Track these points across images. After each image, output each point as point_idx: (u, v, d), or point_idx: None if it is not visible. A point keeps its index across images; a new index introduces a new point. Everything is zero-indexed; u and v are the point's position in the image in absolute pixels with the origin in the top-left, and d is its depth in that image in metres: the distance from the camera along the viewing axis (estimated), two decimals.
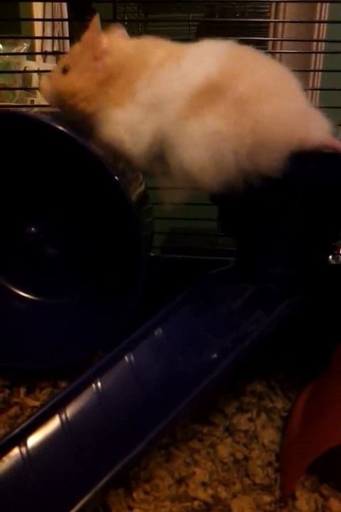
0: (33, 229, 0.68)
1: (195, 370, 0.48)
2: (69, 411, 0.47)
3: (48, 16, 1.77)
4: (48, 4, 1.74)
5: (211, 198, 0.57)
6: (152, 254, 0.74)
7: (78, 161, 0.56)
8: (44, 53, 1.48)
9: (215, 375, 0.46)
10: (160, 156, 0.51)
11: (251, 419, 0.59)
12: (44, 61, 1.86)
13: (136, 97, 0.50)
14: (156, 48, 0.52)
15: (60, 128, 0.51)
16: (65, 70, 0.53)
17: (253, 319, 0.50)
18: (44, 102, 0.58)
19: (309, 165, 0.46)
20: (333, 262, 0.70)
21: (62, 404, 0.47)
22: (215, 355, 0.49)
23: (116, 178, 0.52)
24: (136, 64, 0.51)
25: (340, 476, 0.49)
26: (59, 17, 1.71)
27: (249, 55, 0.51)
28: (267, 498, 0.48)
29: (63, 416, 0.46)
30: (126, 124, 0.51)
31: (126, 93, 0.51)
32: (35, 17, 1.72)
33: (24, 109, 0.96)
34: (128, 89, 0.50)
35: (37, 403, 0.62)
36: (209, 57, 0.49)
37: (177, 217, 0.84)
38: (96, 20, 0.51)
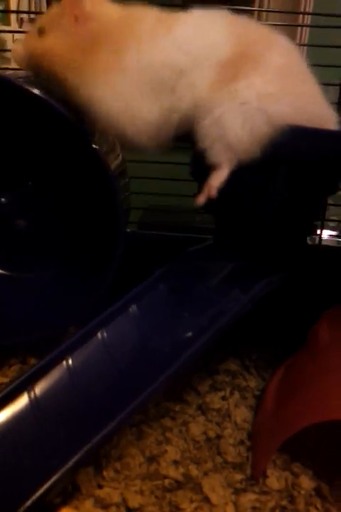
0: (2, 199, 0.65)
1: (170, 348, 0.47)
2: (38, 388, 0.45)
3: None
4: None
5: (192, 173, 0.55)
6: (128, 230, 0.72)
7: (52, 128, 0.53)
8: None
9: (190, 353, 0.45)
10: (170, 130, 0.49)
11: (224, 398, 0.59)
12: (20, 27, 1.78)
13: (126, 73, 0.47)
14: (144, 16, 0.49)
15: (35, 91, 0.48)
16: (41, 32, 0.49)
17: (231, 297, 0.50)
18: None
19: (295, 141, 0.45)
20: (310, 242, 0.70)
21: (30, 382, 0.45)
22: (191, 333, 0.48)
23: (94, 146, 0.50)
24: (122, 33, 0.47)
25: (311, 454, 0.49)
26: None
27: (253, 24, 0.52)
28: (238, 477, 0.48)
29: (32, 393, 0.44)
30: (118, 102, 0.47)
31: (113, 66, 0.46)
32: None
33: None
34: (116, 61, 0.46)
35: (6, 380, 0.59)
36: (215, 26, 0.48)
37: (154, 192, 0.81)
38: None
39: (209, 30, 0.48)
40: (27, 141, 0.62)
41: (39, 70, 0.49)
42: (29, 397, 0.44)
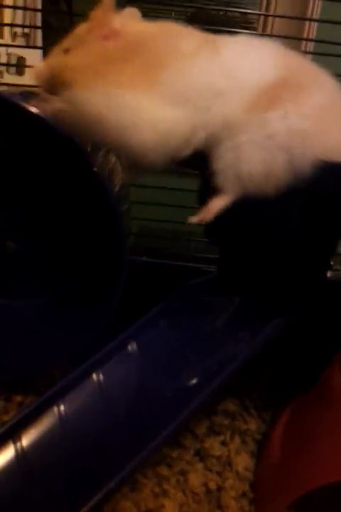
0: None
1: (174, 395, 0.43)
2: (26, 439, 0.40)
3: (20, 3, 1.66)
4: None
5: (200, 201, 0.52)
6: None
7: (47, 149, 0.49)
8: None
9: (197, 402, 0.41)
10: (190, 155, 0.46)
11: (223, 443, 0.55)
12: (13, 41, 1.74)
13: (161, 88, 0.43)
14: (188, 35, 0.45)
15: (31, 109, 0.44)
16: (66, 51, 0.45)
17: (239, 339, 0.46)
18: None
19: (315, 173, 0.42)
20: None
21: (17, 430, 0.40)
22: (197, 379, 0.44)
23: (95, 169, 0.46)
24: (162, 47, 0.44)
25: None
26: (31, 5, 1.61)
27: (302, 60, 0.49)
28: None
29: (18, 445, 0.39)
30: (147, 115, 0.43)
31: (148, 78, 0.43)
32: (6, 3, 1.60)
33: None
34: (151, 75, 0.43)
35: None
36: (261, 52, 0.46)
37: (147, 218, 0.78)
38: None
39: (255, 55, 0.46)
40: (20, 163, 0.58)
41: (59, 87, 0.44)
42: (15, 448, 0.40)
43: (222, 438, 0.56)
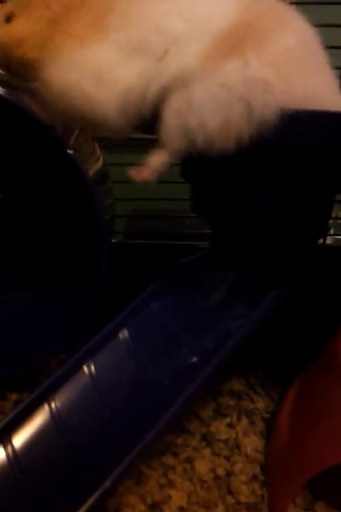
0: None
1: (171, 380, 0.40)
2: (17, 440, 0.38)
3: None
4: None
5: (182, 173, 0.48)
6: (113, 240, 0.65)
7: (23, 133, 0.46)
8: None
9: (196, 385, 0.38)
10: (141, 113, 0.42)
11: (230, 425, 0.52)
12: None
13: (106, 34, 0.39)
14: None
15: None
16: (8, 19, 0.42)
17: (237, 315, 0.43)
18: None
19: (302, 127, 0.38)
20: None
21: (8, 431, 0.38)
22: (194, 360, 0.41)
23: (69, 151, 0.43)
24: None
25: (336, 490, 0.43)
26: None
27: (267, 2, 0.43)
28: None
29: (9, 447, 0.37)
30: (93, 66, 0.39)
31: (91, 28, 0.39)
32: None
33: None
34: (96, 23, 0.40)
35: None
36: None
37: (138, 197, 0.75)
38: None
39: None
40: None
41: (8, 63, 0.42)
42: (5, 450, 0.37)
43: (228, 420, 0.53)
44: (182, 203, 0.58)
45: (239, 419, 0.53)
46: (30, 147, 0.51)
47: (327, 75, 0.42)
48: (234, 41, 0.39)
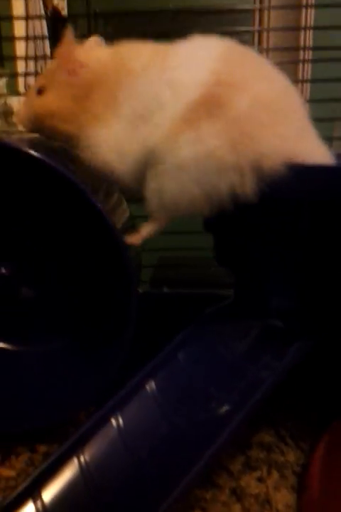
0: (3, 270, 0.60)
1: (198, 432, 0.40)
2: (47, 493, 0.38)
3: (31, 52, 1.74)
4: (29, 28, 1.70)
5: (204, 225, 0.50)
6: (140, 290, 0.66)
7: (55, 190, 0.49)
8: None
9: (224, 437, 0.38)
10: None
11: (260, 479, 0.51)
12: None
13: (119, 110, 0.44)
14: (137, 51, 0.46)
15: (33, 153, 0.44)
16: (40, 91, 0.48)
17: (263, 365, 0.43)
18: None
19: (315, 181, 0.39)
20: None
21: (38, 485, 0.39)
22: (221, 412, 0.41)
23: (98, 205, 0.45)
24: (115, 72, 0.45)
25: None
26: (41, 53, 1.68)
27: (248, 59, 0.45)
28: None
29: (38, 502, 0.37)
30: (110, 142, 0.45)
31: (108, 107, 0.45)
32: (18, 53, 1.68)
33: None
34: (110, 101, 0.45)
35: (13, 473, 0.53)
36: (202, 59, 0.43)
37: (164, 247, 0.77)
38: (68, 32, 0.46)
39: (192, 64, 0.44)
40: (29, 206, 0.58)
41: (42, 129, 0.49)
42: (35, 505, 0.38)
43: (258, 473, 0.52)
44: (207, 252, 0.59)
45: (269, 472, 0.52)
46: (64, 202, 0.53)
47: (301, 123, 0.44)
48: (196, 113, 0.42)
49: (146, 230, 0.48)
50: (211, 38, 0.46)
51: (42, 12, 1.77)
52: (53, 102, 0.46)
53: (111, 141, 0.45)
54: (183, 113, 0.42)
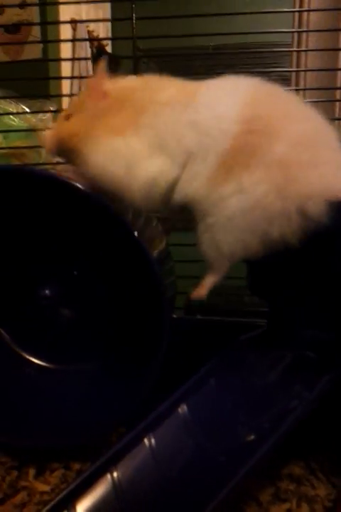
0: (46, 292, 0.64)
1: (227, 457, 0.41)
2: (81, 505, 0.40)
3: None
4: (76, 65, 1.81)
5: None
6: (174, 316, 0.68)
7: (94, 218, 0.52)
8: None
9: (252, 464, 0.39)
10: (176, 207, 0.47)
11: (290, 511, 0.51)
12: None
13: (140, 130, 0.45)
14: (165, 84, 0.48)
15: (75, 184, 0.48)
16: (67, 118, 0.50)
17: (293, 394, 0.44)
18: None
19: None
20: None
21: (71, 499, 0.40)
22: (251, 439, 0.42)
23: (135, 233, 0.48)
24: (141, 98, 0.47)
25: None
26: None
27: (278, 99, 0.46)
28: None
29: None
30: (125, 154, 0.45)
31: (128, 124, 0.46)
32: (64, 91, 1.78)
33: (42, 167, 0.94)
34: (132, 120, 0.46)
35: (47, 488, 0.55)
36: (231, 104, 0.44)
37: (198, 275, 0.78)
38: (102, 65, 0.48)
39: (221, 110, 0.44)
40: (67, 232, 0.62)
41: (64, 152, 0.50)
42: None
43: (288, 505, 0.52)
44: (241, 281, 0.61)
45: (298, 505, 0.51)
46: (101, 228, 0.56)
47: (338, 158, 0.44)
48: (233, 161, 0.43)
49: (209, 281, 0.50)
50: (239, 79, 0.47)
51: (89, 54, 1.87)
52: (77, 124, 0.48)
53: (125, 154, 0.45)
54: (217, 162, 0.43)
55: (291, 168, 0.42)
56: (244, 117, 0.43)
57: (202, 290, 0.50)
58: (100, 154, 0.46)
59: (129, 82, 0.50)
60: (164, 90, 0.47)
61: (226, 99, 0.45)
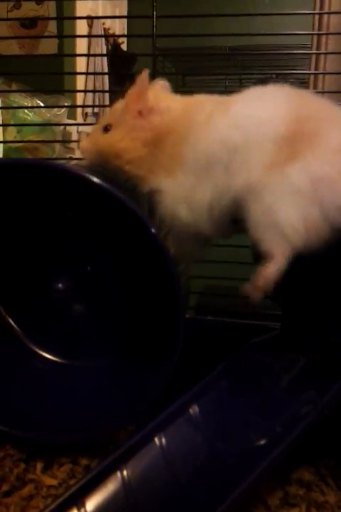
0: (60, 285, 0.64)
1: (238, 459, 0.41)
2: (90, 502, 0.40)
3: (90, 86, 1.85)
4: (91, 62, 1.82)
5: (254, 256, 0.51)
6: (186, 316, 0.68)
7: (110, 213, 0.52)
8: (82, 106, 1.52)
9: (263, 467, 0.39)
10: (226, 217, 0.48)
11: None
12: (84, 120, 1.93)
13: (185, 164, 0.46)
14: (202, 104, 0.48)
15: (94, 179, 0.47)
16: (106, 129, 0.50)
17: (305, 399, 0.43)
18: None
19: None
20: None
21: (80, 496, 0.40)
22: (262, 442, 0.42)
23: (152, 230, 0.47)
24: (182, 125, 0.47)
25: None
26: (100, 87, 1.78)
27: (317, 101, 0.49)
28: None
29: (82, 510, 0.39)
30: (177, 194, 0.46)
31: (174, 159, 0.46)
32: (78, 87, 1.79)
33: (58, 161, 0.95)
34: (177, 154, 0.46)
35: (54, 482, 0.55)
36: (276, 100, 0.46)
37: (211, 276, 0.78)
38: (145, 74, 0.47)
39: (266, 106, 0.46)
40: (83, 226, 0.62)
41: (105, 164, 0.50)
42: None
43: (297, 510, 0.51)
44: None
45: (308, 511, 0.51)
46: (120, 226, 0.56)
47: None
48: (290, 147, 0.43)
49: (270, 270, 0.44)
50: (274, 87, 0.48)
51: (104, 50, 1.88)
52: (120, 142, 0.48)
53: (179, 193, 0.46)
54: (275, 149, 0.44)
55: None
56: (292, 109, 0.45)
57: (260, 282, 0.45)
58: (161, 197, 0.48)
59: (170, 102, 0.50)
60: (202, 109, 0.47)
61: (268, 98, 0.47)
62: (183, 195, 0.46)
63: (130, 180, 0.49)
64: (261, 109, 0.46)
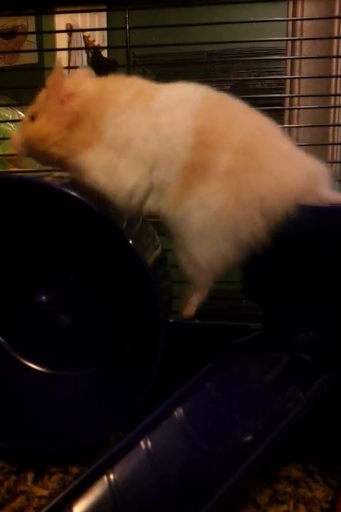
0: (43, 298, 0.64)
1: (223, 459, 0.41)
2: (78, 507, 0.40)
3: None
4: (71, 71, 1.81)
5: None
6: (171, 320, 0.68)
7: (90, 225, 0.52)
8: None
9: (248, 464, 0.39)
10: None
11: None
12: None
13: (103, 139, 0.47)
14: (125, 86, 0.49)
15: (69, 192, 0.48)
16: (32, 118, 0.52)
17: (288, 396, 0.44)
18: None
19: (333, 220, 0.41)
20: None
21: (68, 501, 0.40)
22: (246, 440, 0.42)
23: (130, 241, 0.48)
24: (101, 101, 0.48)
25: None
26: None
27: (224, 108, 0.48)
28: None
29: None
30: (97, 164, 0.47)
31: (93, 134, 0.48)
32: None
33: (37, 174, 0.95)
34: (95, 129, 0.48)
35: (45, 492, 0.55)
36: (184, 114, 0.46)
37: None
38: (58, 64, 0.50)
39: (177, 120, 0.46)
40: (64, 238, 0.62)
41: (35, 152, 0.52)
42: None
43: (285, 507, 0.52)
44: (237, 285, 0.61)
45: (296, 507, 0.51)
46: (97, 236, 0.57)
47: (286, 153, 0.46)
48: (192, 174, 0.44)
49: (196, 299, 0.50)
50: (189, 87, 0.49)
51: (84, 59, 1.89)
52: (44, 128, 0.49)
53: (99, 164, 0.47)
54: (180, 174, 0.45)
55: (240, 175, 0.43)
56: (196, 130, 0.45)
57: (190, 310, 0.51)
58: (82, 169, 0.48)
59: (88, 84, 0.51)
60: (122, 92, 0.48)
61: (181, 108, 0.47)
62: (100, 163, 0.47)
63: (59, 164, 0.51)
64: (174, 121, 0.46)
